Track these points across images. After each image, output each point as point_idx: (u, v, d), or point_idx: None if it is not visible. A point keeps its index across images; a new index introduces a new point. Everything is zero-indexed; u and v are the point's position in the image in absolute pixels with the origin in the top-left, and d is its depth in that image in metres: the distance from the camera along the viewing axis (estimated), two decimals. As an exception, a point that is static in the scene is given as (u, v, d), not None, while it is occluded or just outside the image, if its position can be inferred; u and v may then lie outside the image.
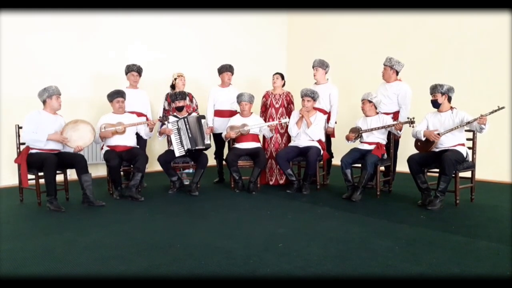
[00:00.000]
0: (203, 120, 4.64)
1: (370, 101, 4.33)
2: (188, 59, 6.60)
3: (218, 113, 5.20)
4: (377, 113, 4.41)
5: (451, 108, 3.91)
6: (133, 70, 4.92)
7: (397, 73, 4.55)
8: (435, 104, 3.93)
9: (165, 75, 6.05)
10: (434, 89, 3.90)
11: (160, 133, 4.73)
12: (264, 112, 5.16)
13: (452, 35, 5.59)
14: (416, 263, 2.42)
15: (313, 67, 5.00)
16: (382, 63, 4.58)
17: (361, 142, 4.45)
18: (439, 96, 3.87)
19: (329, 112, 4.97)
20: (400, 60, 4.54)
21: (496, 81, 5.16)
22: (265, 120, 5.00)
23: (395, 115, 4.54)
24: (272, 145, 5.09)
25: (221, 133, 5.08)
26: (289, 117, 4.89)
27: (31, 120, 3.89)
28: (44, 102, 4.00)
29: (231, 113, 5.10)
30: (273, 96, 5.13)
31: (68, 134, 4.02)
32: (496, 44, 5.17)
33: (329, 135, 5.04)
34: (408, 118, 4.11)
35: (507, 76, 5.07)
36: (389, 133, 4.41)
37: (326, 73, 5.03)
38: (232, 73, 5.23)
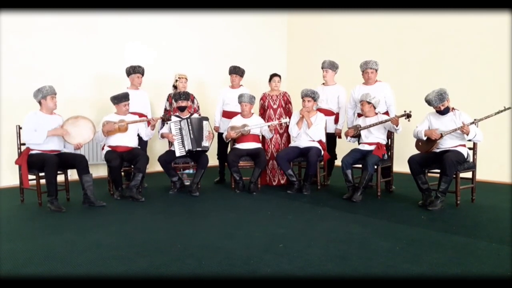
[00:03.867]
0: (204, 122, 4.64)
1: (369, 102, 4.33)
2: (188, 59, 6.60)
3: (225, 114, 5.26)
4: (376, 113, 4.41)
5: (453, 109, 3.90)
6: (139, 72, 4.92)
7: None
8: (446, 110, 3.84)
9: (164, 75, 6.07)
10: (442, 99, 3.76)
11: (162, 136, 4.73)
12: (263, 114, 5.16)
13: (452, 35, 5.59)
14: (416, 263, 2.41)
15: (322, 68, 5.01)
16: (366, 68, 4.57)
17: (361, 143, 4.45)
18: (447, 102, 3.83)
19: (337, 113, 4.99)
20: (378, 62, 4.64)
21: (496, 81, 5.16)
22: (264, 121, 5.00)
23: (385, 114, 4.54)
24: (272, 146, 5.09)
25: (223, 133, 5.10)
26: (288, 117, 4.90)
27: (29, 121, 3.88)
28: (39, 102, 3.98)
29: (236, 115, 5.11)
30: (270, 97, 5.14)
31: (68, 129, 3.99)
32: (496, 44, 5.16)
33: (333, 137, 5.03)
34: (404, 111, 4.09)
35: (507, 76, 5.06)
36: (390, 133, 4.41)
37: (335, 74, 5.04)
38: (240, 75, 5.24)
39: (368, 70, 4.57)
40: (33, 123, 3.89)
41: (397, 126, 4.17)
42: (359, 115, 4.60)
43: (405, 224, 3.28)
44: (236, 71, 5.22)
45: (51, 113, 4.04)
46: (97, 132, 4.35)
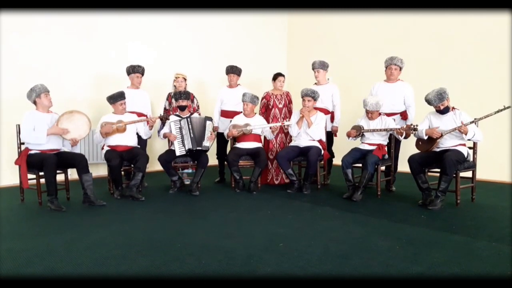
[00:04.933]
0: (208, 122, 4.65)
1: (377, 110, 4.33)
2: (188, 59, 6.60)
3: (224, 113, 5.26)
4: (380, 114, 4.40)
5: (453, 108, 3.90)
6: (138, 71, 4.92)
7: None
8: (446, 110, 3.84)
9: (164, 75, 6.06)
10: (441, 98, 3.77)
11: (164, 136, 4.74)
12: (265, 113, 5.16)
13: (452, 35, 5.58)
14: (416, 263, 2.42)
15: (313, 69, 5.02)
16: (391, 63, 4.49)
17: (362, 142, 4.45)
18: (447, 101, 3.82)
19: (332, 111, 5.01)
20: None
21: (496, 81, 5.16)
22: (267, 120, 5.01)
23: (403, 115, 4.54)
24: (277, 145, 5.10)
25: (223, 133, 5.09)
26: (290, 120, 4.90)
27: (27, 120, 3.88)
28: (34, 102, 3.97)
29: (236, 115, 5.11)
30: (274, 96, 5.14)
31: (64, 125, 3.98)
32: (496, 44, 5.16)
33: (330, 135, 5.05)
34: (411, 125, 4.07)
35: (507, 75, 5.06)
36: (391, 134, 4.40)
37: (326, 73, 5.06)
38: (237, 75, 5.25)
39: (392, 66, 4.51)
40: (31, 122, 3.88)
41: (401, 136, 4.17)
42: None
43: (405, 223, 3.28)
44: (233, 71, 5.22)
45: (47, 111, 4.03)
46: (96, 133, 4.35)
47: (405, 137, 4.17)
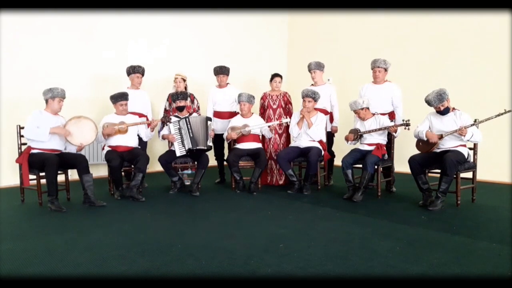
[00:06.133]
0: (209, 122, 4.65)
1: (361, 108, 4.33)
2: (188, 59, 6.60)
3: (217, 115, 5.22)
4: (373, 114, 4.40)
5: (453, 109, 3.90)
6: (138, 72, 4.92)
7: None
8: (446, 111, 3.84)
9: (164, 75, 6.06)
10: (441, 99, 3.76)
11: (163, 138, 4.74)
12: (263, 113, 5.16)
13: (453, 36, 5.58)
14: (417, 263, 2.41)
15: (309, 71, 5.03)
16: (375, 66, 4.53)
17: (361, 143, 4.45)
18: (447, 102, 3.82)
19: (331, 112, 5.01)
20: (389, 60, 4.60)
21: (496, 82, 5.15)
22: (264, 121, 5.00)
23: (391, 115, 4.55)
24: (271, 146, 5.09)
25: (221, 134, 5.09)
26: (289, 117, 4.90)
27: (33, 118, 3.91)
28: (46, 101, 4.02)
29: (230, 114, 5.11)
30: (270, 97, 5.14)
31: (70, 129, 4.02)
32: (496, 45, 5.16)
33: (331, 135, 5.05)
34: (403, 120, 4.10)
35: (507, 77, 5.06)
36: (389, 132, 4.41)
37: (323, 73, 5.08)
38: (226, 74, 5.22)
39: (376, 69, 4.54)
40: (37, 121, 3.90)
41: (395, 133, 4.19)
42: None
43: (406, 224, 3.28)
44: (223, 71, 5.20)
45: (55, 114, 4.07)
46: (97, 133, 4.36)
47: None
